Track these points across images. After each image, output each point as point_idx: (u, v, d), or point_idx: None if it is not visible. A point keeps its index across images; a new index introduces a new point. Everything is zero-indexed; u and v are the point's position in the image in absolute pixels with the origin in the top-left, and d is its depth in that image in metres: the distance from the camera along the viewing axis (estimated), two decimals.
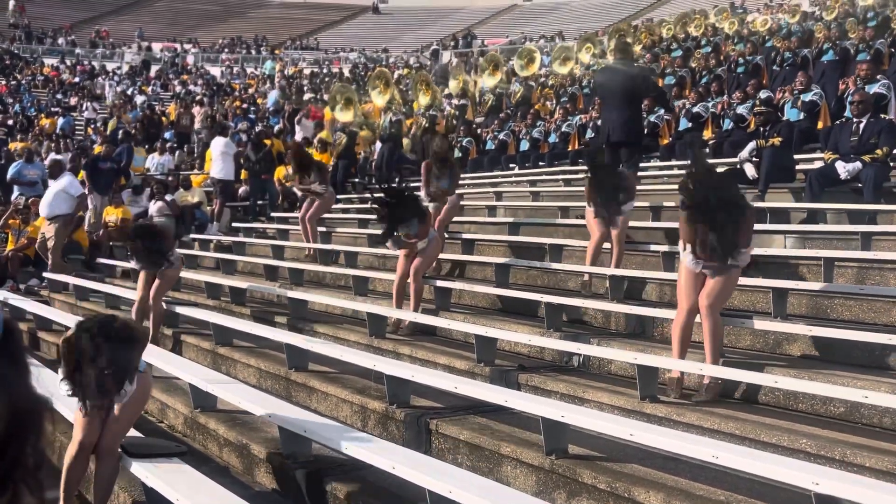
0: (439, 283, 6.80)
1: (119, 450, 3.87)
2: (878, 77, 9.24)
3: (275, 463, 4.17)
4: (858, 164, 6.95)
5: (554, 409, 3.67)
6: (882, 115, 7.96)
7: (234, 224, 12.30)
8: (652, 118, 11.03)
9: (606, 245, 6.39)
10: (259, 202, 13.02)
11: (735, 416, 3.95)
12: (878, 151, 6.91)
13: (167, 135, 18.32)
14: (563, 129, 12.82)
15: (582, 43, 17.20)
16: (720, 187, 4.18)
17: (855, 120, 7.22)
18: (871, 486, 2.72)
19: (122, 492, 4.07)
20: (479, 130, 15.10)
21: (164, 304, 7.07)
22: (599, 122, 7.84)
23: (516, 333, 5.46)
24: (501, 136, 13.87)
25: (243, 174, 13.50)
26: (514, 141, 13.65)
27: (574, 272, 6.63)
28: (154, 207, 12.02)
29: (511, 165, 13.25)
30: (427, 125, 14.52)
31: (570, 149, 12.42)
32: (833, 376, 4.04)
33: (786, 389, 3.99)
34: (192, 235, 11.92)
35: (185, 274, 9.55)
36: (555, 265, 6.86)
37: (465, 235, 8.53)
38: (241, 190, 13.66)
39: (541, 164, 12.67)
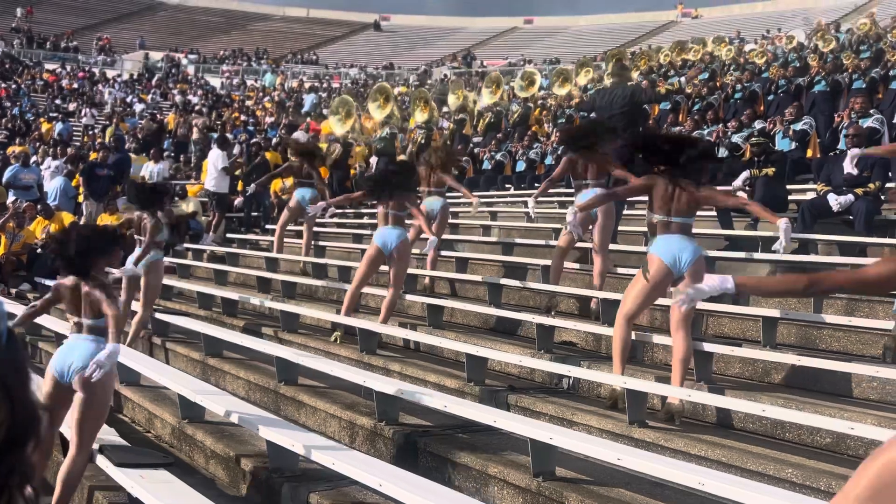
0: (431, 301, 6.81)
1: (95, 447, 3.88)
2: (872, 111, 9.36)
3: (261, 476, 4.16)
4: (851, 197, 7.01)
5: (542, 431, 3.68)
6: None
7: (227, 235, 12.30)
8: None
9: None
10: (253, 214, 13.03)
11: (722, 444, 3.96)
12: (871, 185, 6.98)
13: (164, 143, 18.34)
14: (560, 151, 12.89)
15: (580, 67, 17.36)
16: None
17: (849, 152, 7.30)
18: None
19: (105, 501, 4.05)
20: (476, 150, 15.19)
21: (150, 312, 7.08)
22: None
23: (507, 353, 5.46)
24: (498, 156, 13.95)
25: (239, 185, 13.52)
26: (511, 161, 13.73)
27: (567, 294, 6.65)
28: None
29: (507, 185, 13.31)
30: (423, 141, 14.60)
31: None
32: (820, 407, 4.06)
33: (773, 418, 4.01)
34: (186, 245, 11.90)
35: (178, 283, 9.54)
36: (547, 286, 6.88)
37: (458, 254, 8.56)
38: (237, 201, 13.67)
39: (536, 185, 12.72)
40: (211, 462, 4.70)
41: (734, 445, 3.94)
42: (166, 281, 9.61)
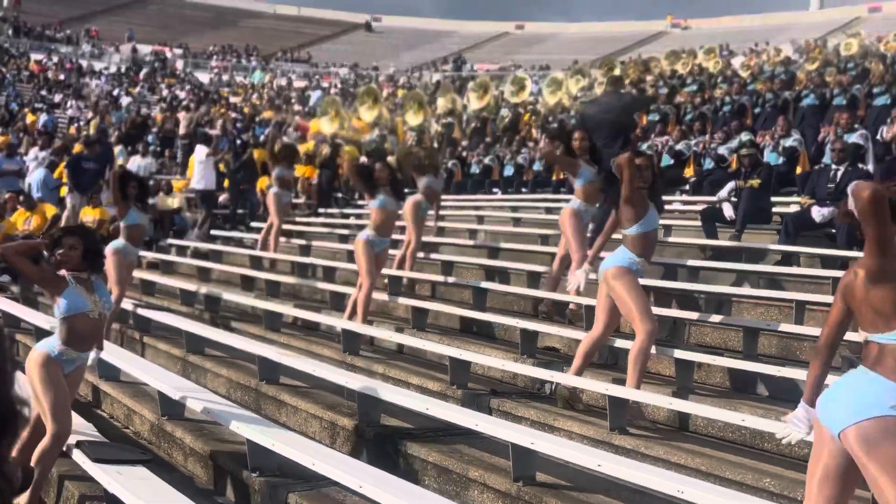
0: (415, 304, 6.81)
1: (72, 441, 3.90)
2: (857, 127, 9.46)
3: (240, 475, 4.13)
4: (834, 210, 7.08)
5: (523, 436, 3.68)
6: (860, 165, 8.14)
7: (212, 232, 12.22)
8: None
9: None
10: (239, 211, 12.96)
11: (702, 452, 3.98)
12: None
13: (149, 137, 18.18)
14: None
15: (571, 74, 17.43)
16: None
17: (834, 167, 7.38)
18: None
19: (82, 496, 4.00)
20: (464, 154, 15.20)
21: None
22: None
23: (490, 357, 5.47)
24: (486, 160, 13.97)
25: (225, 182, 13.44)
26: (499, 166, 13.75)
27: (551, 299, 6.66)
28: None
29: (494, 190, 13.33)
30: (414, 143, 14.59)
31: (553, 177, 12.53)
32: None
33: (752, 428, 4.04)
34: (170, 241, 11.82)
35: (161, 279, 9.46)
36: (532, 291, 6.89)
37: (444, 257, 8.56)
38: (222, 198, 13.59)
39: (524, 190, 12.76)
40: (190, 460, 4.67)
41: (714, 454, 3.97)
42: (149, 276, 9.55)
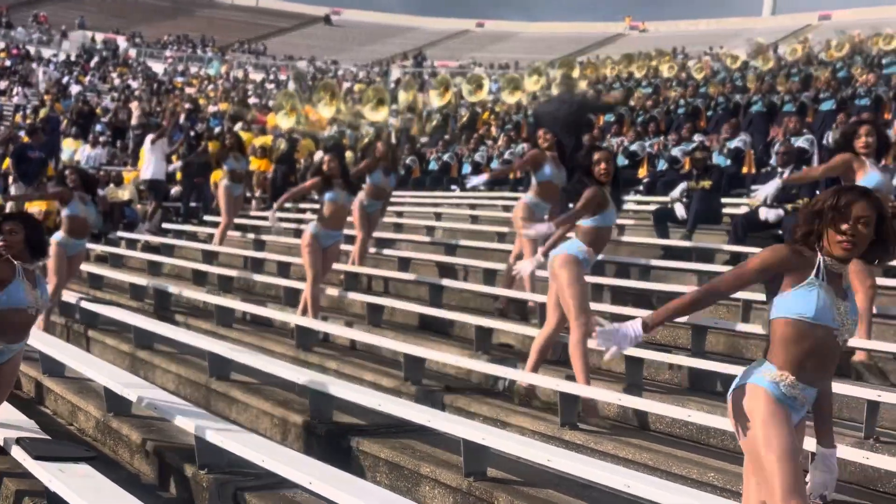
0: (370, 300, 6.78)
1: (11, 435, 3.80)
2: (804, 131, 9.74)
3: (188, 472, 4.06)
4: (780, 212, 7.27)
5: (475, 432, 3.70)
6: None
7: (164, 225, 11.98)
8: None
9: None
10: (192, 204, 12.73)
11: (649, 447, 4.06)
12: (799, 201, 7.25)
13: (98, 127, 17.72)
14: (506, 156, 13.01)
15: (530, 73, 17.55)
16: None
17: (779, 170, 7.57)
18: None
19: (20, 492, 3.88)
20: (423, 150, 15.19)
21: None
22: None
23: (445, 354, 5.48)
24: (445, 157, 13.99)
25: (178, 175, 13.18)
26: (457, 163, 13.78)
27: (508, 296, 6.70)
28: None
29: (453, 187, 13.35)
30: (372, 139, 14.53)
31: (511, 176, 12.60)
32: None
33: (699, 424, 4.12)
34: (120, 234, 11.54)
35: (109, 273, 9.24)
36: (489, 288, 6.92)
37: (401, 253, 8.54)
38: (174, 190, 13.32)
39: (481, 188, 12.81)
40: (136, 457, 4.57)
41: (661, 449, 4.04)
42: (97, 270, 9.31)
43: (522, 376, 4.83)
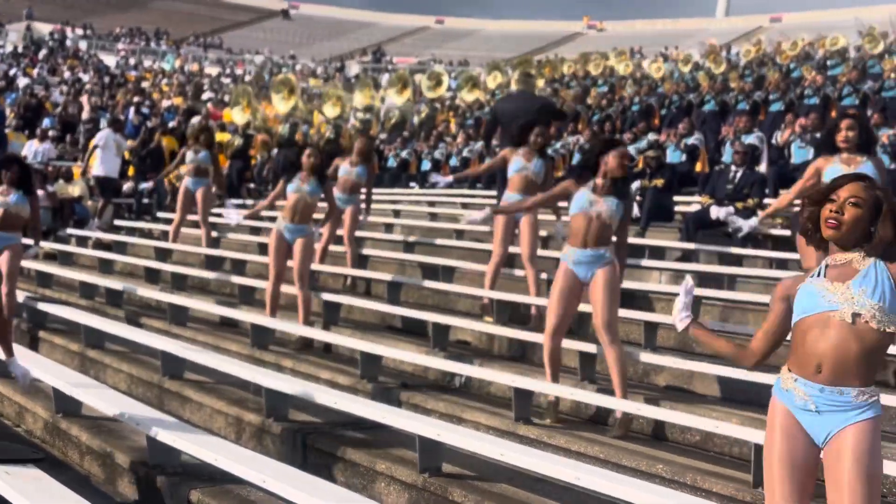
0: (327, 298, 6.75)
1: None
2: (754, 130, 10.00)
3: (140, 473, 4.00)
4: (731, 210, 7.46)
5: (430, 428, 3.73)
6: (755, 168, 8.60)
7: (116, 222, 11.72)
8: (549, 151, 11.41)
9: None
10: (145, 201, 12.48)
11: (600, 441, 4.14)
12: (750, 201, 7.45)
13: (47, 121, 17.21)
14: (465, 153, 13.06)
15: (489, 71, 17.63)
16: None
17: (733, 168, 7.77)
18: None
19: None
20: (381, 147, 15.14)
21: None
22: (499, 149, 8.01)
23: (401, 351, 5.49)
24: (404, 154, 13.98)
25: (130, 171, 12.91)
26: (416, 160, 13.79)
27: (463, 294, 6.75)
28: None
29: (411, 184, 13.35)
30: (332, 136, 14.43)
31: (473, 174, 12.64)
32: (692, 406, 4.31)
33: (648, 417, 4.22)
34: (70, 231, 11.26)
35: (59, 271, 9.01)
36: (445, 286, 6.95)
37: (360, 251, 8.50)
38: (126, 186, 13.05)
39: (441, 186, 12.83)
40: (86, 458, 4.49)
41: (611, 443, 4.13)
42: (46, 268, 9.07)
43: (474, 372, 4.86)
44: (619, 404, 4.19)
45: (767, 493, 2.25)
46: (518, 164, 6.26)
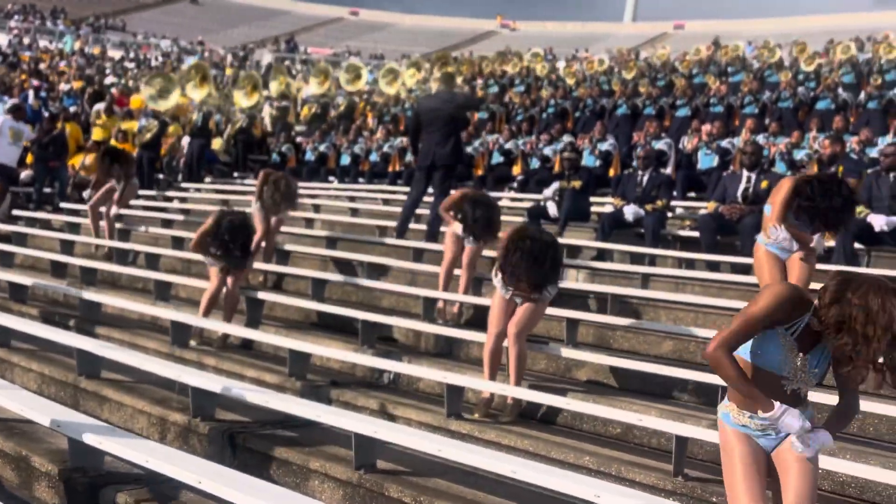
0: (249, 294, 6.64)
1: None
2: (663, 135, 10.48)
3: (60, 477, 3.84)
4: (641, 212, 7.82)
5: (367, 425, 3.76)
6: (662, 170, 9.02)
7: (14, 212, 11.07)
8: (469, 149, 11.59)
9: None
10: (46, 190, 11.84)
11: (529, 435, 4.29)
12: (659, 202, 7.83)
13: None
14: (385, 149, 13.05)
15: (409, 67, 17.66)
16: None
17: (640, 172, 8.13)
18: (644, 499, 3.11)
19: None
20: (298, 139, 14.92)
21: None
22: (420, 146, 8.07)
23: (329, 349, 5.48)
24: (322, 147, 13.82)
25: (29, 158, 12.20)
26: (335, 154, 13.66)
27: (388, 291, 6.78)
28: None
29: (330, 179, 13.23)
30: (244, 126, 14.10)
31: (390, 169, 12.67)
32: (613, 400, 4.52)
33: (573, 410, 4.40)
34: None
35: None
36: (370, 282, 6.97)
37: (279, 246, 8.37)
38: (25, 174, 12.32)
39: (360, 180, 12.79)
40: None
41: (539, 436, 4.28)
42: None
43: (407, 369, 4.92)
44: (548, 399, 4.34)
45: (730, 494, 2.41)
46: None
